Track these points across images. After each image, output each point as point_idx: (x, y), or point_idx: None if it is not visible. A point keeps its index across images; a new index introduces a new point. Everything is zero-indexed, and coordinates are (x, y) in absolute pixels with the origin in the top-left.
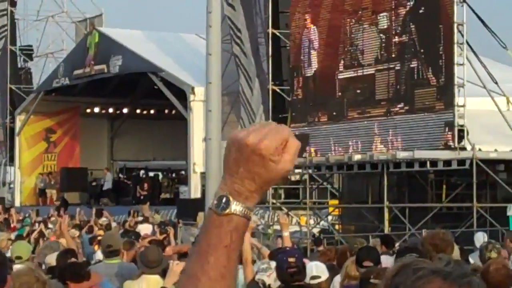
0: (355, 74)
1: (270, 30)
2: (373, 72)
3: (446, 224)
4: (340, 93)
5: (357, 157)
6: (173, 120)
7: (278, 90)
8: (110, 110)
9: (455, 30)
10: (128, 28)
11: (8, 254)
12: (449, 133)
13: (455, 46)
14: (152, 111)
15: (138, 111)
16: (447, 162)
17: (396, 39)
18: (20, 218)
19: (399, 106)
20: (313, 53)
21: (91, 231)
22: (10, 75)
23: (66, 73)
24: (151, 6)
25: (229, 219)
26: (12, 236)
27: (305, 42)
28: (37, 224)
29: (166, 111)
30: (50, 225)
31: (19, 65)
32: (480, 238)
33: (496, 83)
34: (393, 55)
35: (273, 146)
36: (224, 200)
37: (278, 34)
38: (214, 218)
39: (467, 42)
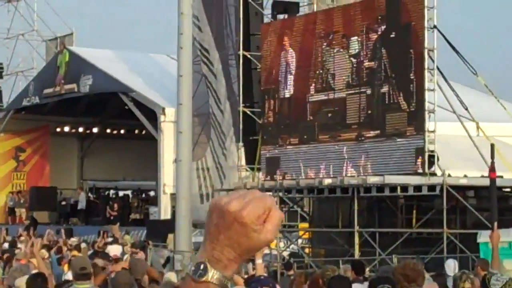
0: (326, 98)
1: (241, 52)
2: (344, 96)
3: (416, 249)
4: (311, 117)
5: (327, 181)
6: (143, 141)
7: (248, 112)
8: (80, 130)
9: (426, 56)
10: (99, 47)
11: None
12: (419, 159)
13: (426, 71)
14: (122, 131)
15: (108, 130)
16: (418, 188)
17: (367, 63)
18: None
19: (370, 130)
20: (289, 77)
21: (60, 252)
22: None
23: (36, 92)
24: (122, 26)
25: (206, 286)
26: None
27: (283, 64)
28: (6, 244)
29: (137, 131)
30: (19, 245)
31: None
32: (451, 265)
33: (466, 108)
34: (364, 79)
35: (255, 215)
36: (202, 267)
37: (249, 56)
38: (191, 285)
39: (438, 68)
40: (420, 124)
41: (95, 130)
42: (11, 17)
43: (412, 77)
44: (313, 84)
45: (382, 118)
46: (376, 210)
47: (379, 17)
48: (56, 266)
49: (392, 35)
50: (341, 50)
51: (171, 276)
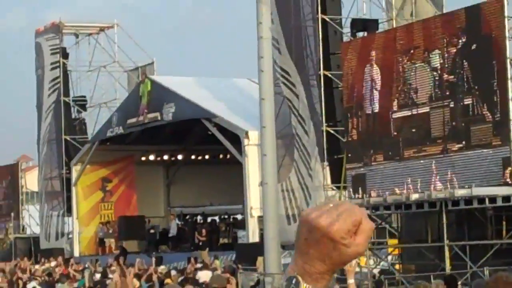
0: (410, 113)
1: (321, 71)
2: (427, 110)
3: (507, 260)
4: (395, 132)
5: (414, 196)
6: (228, 165)
7: (332, 131)
8: (165, 157)
9: (508, 65)
10: (180, 75)
11: None
12: (507, 169)
13: (509, 81)
14: (207, 157)
15: (193, 157)
16: (506, 198)
17: (449, 76)
18: (80, 268)
19: (455, 143)
20: (375, 92)
21: (150, 280)
22: (64, 126)
23: (120, 122)
24: (201, 53)
25: None
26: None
27: (367, 81)
28: (97, 275)
29: (221, 156)
30: (110, 275)
31: (73, 116)
32: None
33: None
34: (447, 93)
35: (344, 230)
36: (294, 281)
37: (330, 75)
38: None
39: None
40: (506, 134)
41: (180, 157)
42: (92, 50)
43: (495, 88)
44: (396, 100)
45: (467, 130)
46: (465, 222)
47: (459, 29)
48: None
49: (473, 47)
50: (423, 64)
51: None
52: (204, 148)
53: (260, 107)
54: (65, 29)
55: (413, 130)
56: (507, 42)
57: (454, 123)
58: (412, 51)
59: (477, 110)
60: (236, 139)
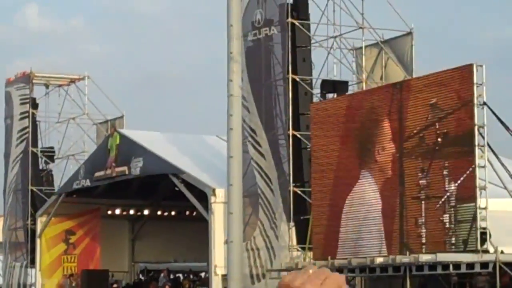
0: None
1: (290, 132)
2: None
3: None
4: None
5: (379, 260)
6: (194, 222)
7: (299, 192)
8: (131, 212)
9: (476, 133)
10: (149, 129)
11: None
12: None
13: (476, 148)
14: (173, 213)
15: (159, 212)
16: (470, 265)
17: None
18: None
19: None
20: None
21: None
22: (31, 177)
23: (87, 175)
24: (171, 109)
25: None
26: None
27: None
28: None
29: (187, 212)
30: None
31: (40, 167)
32: None
33: None
34: None
35: None
36: None
37: (298, 135)
38: None
39: (488, 144)
40: None
41: (146, 212)
42: (62, 101)
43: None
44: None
45: None
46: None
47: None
48: None
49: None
50: (387, 132)
51: None
52: (170, 204)
53: (228, 165)
54: (36, 80)
55: None
56: (476, 109)
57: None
58: (376, 118)
59: None
60: (203, 196)
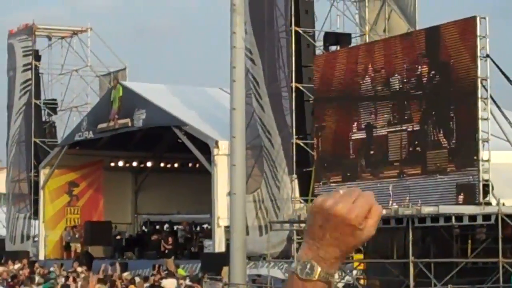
0: (369, 135)
1: (293, 84)
2: (385, 133)
3: (471, 279)
4: (354, 154)
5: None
6: (197, 174)
7: (302, 144)
8: (134, 164)
9: (479, 85)
10: (152, 82)
11: None
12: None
13: (479, 100)
14: (176, 165)
15: (162, 164)
16: (472, 217)
17: (408, 101)
18: (45, 272)
19: (412, 168)
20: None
21: (114, 285)
22: (34, 129)
23: (90, 127)
24: (174, 60)
25: (314, 285)
26: None
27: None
28: (62, 279)
29: (190, 164)
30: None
31: (43, 119)
32: None
33: None
34: (405, 117)
35: (362, 216)
36: (308, 266)
37: (301, 88)
38: (299, 283)
39: (491, 97)
40: (460, 160)
41: (149, 164)
42: (64, 53)
43: (451, 115)
44: (355, 123)
45: (423, 155)
46: (431, 240)
47: (419, 55)
48: None
49: (431, 74)
50: (382, 87)
51: None
52: (173, 156)
53: (230, 117)
54: (38, 32)
55: (371, 153)
56: (479, 62)
57: (410, 148)
58: (373, 74)
59: (434, 136)
60: (205, 148)
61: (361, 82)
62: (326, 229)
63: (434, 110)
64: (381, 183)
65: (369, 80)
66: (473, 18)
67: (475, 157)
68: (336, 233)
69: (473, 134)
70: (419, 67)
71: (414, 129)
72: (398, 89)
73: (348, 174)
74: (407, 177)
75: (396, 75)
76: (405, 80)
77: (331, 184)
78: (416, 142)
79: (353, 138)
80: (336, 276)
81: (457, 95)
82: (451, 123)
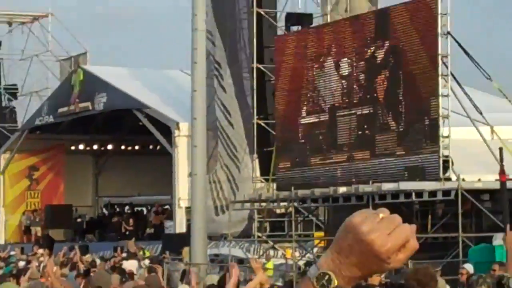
0: (317, 120)
1: (255, 65)
2: (334, 117)
3: (432, 254)
4: (303, 140)
5: (342, 189)
6: (158, 156)
7: (263, 124)
8: (94, 147)
9: (440, 62)
10: (113, 65)
11: None
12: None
13: (440, 77)
14: (137, 147)
15: (123, 147)
16: (432, 193)
17: (356, 85)
18: (5, 256)
19: (360, 151)
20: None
21: (74, 268)
22: None
23: (50, 111)
24: (135, 44)
25: None
26: None
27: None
28: (23, 262)
29: (151, 146)
30: (36, 264)
31: (3, 104)
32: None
33: (481, 113)
34: (354, 101)
35: (394, 251)
36: (327, 277)
37: (262, 68)
38: None
39: (452, 74)
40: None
41: (109, 147)
42: (25, 39)
43: (400, 98)
44: (305, 107)
45: (372, 139)
46: None
47: (368, 39)
48: (73, 283)
49: (379, 59)
50: (332, 71)
51: None
52: (134, 139)
53: (192, 98)
54: None
55: (320, 138)
56: (439, 39)
57: (359, 132)
58: (322, 58)
59: (383, 119)
60: (167, 130)
61: (311, 67)
62: (354, 250)
63: (382, 94)
64: (330, 167)
65: (319, 65)
66: None
67: (423, 139)
68: (362, 258)
69: (421, 115)
70: (369, 51)
71: (363, 112)
72: (347, 73)
73: (297, 159)
74: (356, 161)
75: (346, 59)
76: (354, 64)
77: (280, 170)
78: (365, 126)
79: (301, 122)
80: (297, 254)
81: (406, 78)
82: (400, 106)
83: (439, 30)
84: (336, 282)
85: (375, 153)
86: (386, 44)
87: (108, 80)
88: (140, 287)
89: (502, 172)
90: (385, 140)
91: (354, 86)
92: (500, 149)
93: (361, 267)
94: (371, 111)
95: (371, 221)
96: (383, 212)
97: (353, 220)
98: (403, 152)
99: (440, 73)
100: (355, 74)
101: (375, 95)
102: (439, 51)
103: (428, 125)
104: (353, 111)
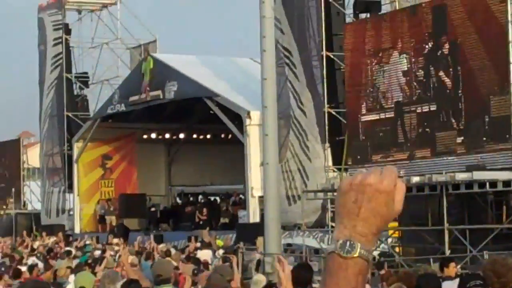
0: (378, 117)
1: (324, 52)
2: (394, 115)
3: (507, 245)
4: (364, 137)
5: (415, 179)
6: (230, 145)
7: (334, 113)
8: (166, 136)
9: (511, 48)
10: (182, 53)
11: (71, 284)
12: None
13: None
14: (208, 136)
15: (194, 136)
16: (507, 183)
17: (417, 81)
18: (81, 245)
19: (421, 149)
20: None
21: (149, 257)
22: (66, 103)
23: (121, 100)
24: (204, 31)
25: (355, 262)
26: (73, 264)
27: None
28: (98, 252)
29: (223, 135)
30: (111, 253)
31: (75, 93)
32: None
33: None
34: (413, 98)
35: (392, 183)
36: (348, 244)
37: (332, 56)
38: (340, 261)
39: None
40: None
41: (181, 135)
42: (94, 26)
43: (460, 95)
44: (364, 103)
45: (433, 137)
46: (466, 206)
47: (426, 34)
48: (148, 272)
49: (439, 53)
50: (392, 67)
51: (260, 277)
52: (205, 127)
53: (262, 87)
54: (68, 5)
55: (381, 135)
56: (510, 26)
57: (420, 130)
58: (380, 53)
59: (443, 117)
60: (238, 119)
61: (369, 63)
62: (361, 202)
63: (442, 91)
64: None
65: (377, 60)
66: None
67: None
68: (371, 204)
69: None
70: (427, 46)
71: (422, 110)
72: (406, 69)
73: (359, 157)
74: (417, 159)
75: (404, 55)
76: (413, 60)
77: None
78: (426, 123)
79: (362, 120)
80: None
81: (465, 74)
82: (460, 103)
83: (509, 18)
84: (359, 244)
85: (435, 151)
86: (445, 40)
87: (178, 68)
88: (214, 276)
89: None
90: (446, 137)
91: (414, 83)
92: None
93: (373, 216)
94: (431, 108)
95: (361, 173)
96: (367, 169)
97: (345, 181)
98: (464, 150)
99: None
100: (414, 71)
101: (434, 92)
102: (510, 39)
103: (488, 123)
104: (413, 109)
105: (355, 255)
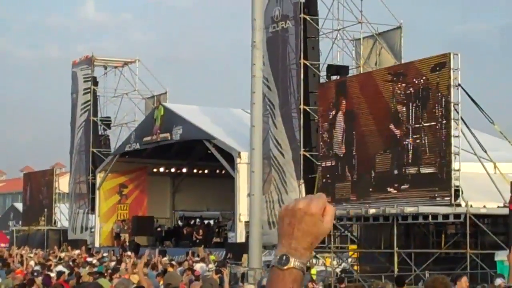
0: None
1: (301, 106)
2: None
3: (444, 266)
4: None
5: (372, 211)
6: (223, 178)
7: (308, 155)
8: (172, 170)
9: (452, 109)
10: (188, 103)
11: None
12: None
13: (452, 121)
14: (206, 171)
15: (195, 171)
16: (446, 216)
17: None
18: (99, 257)
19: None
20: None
21: (155, 268)
22: (92, 141)
23: (137, 140)
24: (205, 87)
25: (290, 272)
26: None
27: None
28: (113, 263)
29: (217, 171)
30: (124, 264)
31: (99, 133)
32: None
33: (485, 151)
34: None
35: (320, 208)
36: (284, 257)
37: (308, 109)
38: (278, 273)
39: (462, 118)
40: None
41: (184, 170)
42: (117, 80)
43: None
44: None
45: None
46: (412, 234)
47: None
48: (154, 280)
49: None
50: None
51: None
52: (204, 164)
53: (250, 132)
54: (96, 62)
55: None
56: (452, 90)
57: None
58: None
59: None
60: (230, 158)
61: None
62: (294, 224)
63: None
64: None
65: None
66: (447, 54)
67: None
68: (302, 225)
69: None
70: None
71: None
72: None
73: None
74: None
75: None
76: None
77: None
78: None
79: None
80: (335, 262)
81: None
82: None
83: (452, 83)
84: (292, 258)
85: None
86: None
87: (184, 115)
88: (205, 286)
89: (511, 201)
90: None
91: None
92: (511, 183)
93: (304, 235)
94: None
95: (295, 201)
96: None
97: (282, 208)
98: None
99: (452, 117)
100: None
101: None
102: (452, 100)
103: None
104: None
105: (290, 266)
